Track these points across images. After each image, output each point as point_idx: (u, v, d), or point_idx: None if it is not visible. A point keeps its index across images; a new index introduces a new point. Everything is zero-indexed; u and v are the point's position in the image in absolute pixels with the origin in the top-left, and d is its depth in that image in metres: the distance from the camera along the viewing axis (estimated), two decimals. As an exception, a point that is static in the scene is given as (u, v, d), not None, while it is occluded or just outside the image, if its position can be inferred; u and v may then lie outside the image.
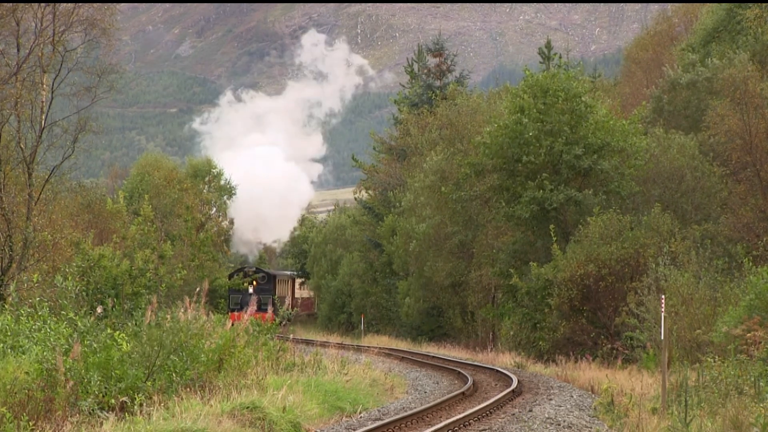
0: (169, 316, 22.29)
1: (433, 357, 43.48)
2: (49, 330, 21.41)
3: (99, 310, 22.45)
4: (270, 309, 35.85)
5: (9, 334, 21.18)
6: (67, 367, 19.02)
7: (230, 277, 69.77)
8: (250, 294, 64.31)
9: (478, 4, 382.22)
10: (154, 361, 21.05)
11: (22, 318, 22.11)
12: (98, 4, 33.33)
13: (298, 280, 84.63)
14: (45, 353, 19.36)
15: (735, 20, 48.55)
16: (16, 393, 18.02)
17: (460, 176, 47.06)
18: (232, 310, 59.78)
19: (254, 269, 72.01)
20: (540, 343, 40.36)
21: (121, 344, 21.20)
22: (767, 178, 39.42)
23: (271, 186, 79.84)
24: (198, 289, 24.62)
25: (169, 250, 35.22)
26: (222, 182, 73.95)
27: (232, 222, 77.05)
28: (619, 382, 27.31)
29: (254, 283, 68.06)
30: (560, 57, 63.55)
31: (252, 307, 26.76)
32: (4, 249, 31.07)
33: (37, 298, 23.50)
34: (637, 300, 33.92)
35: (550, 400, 25.87)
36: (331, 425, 21.78)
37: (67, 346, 20.15)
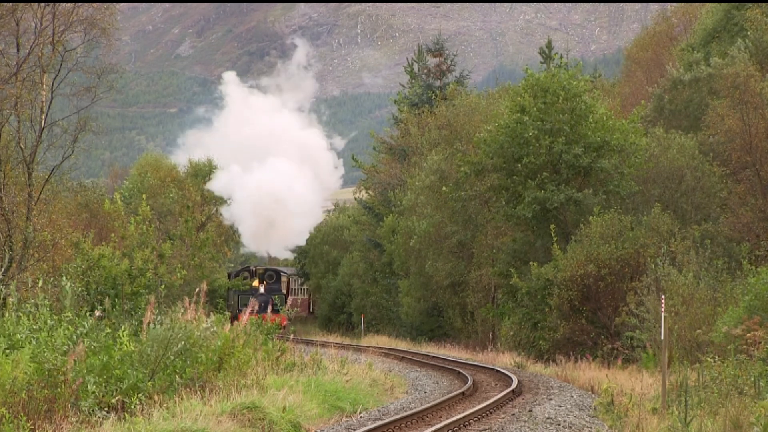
0: (179, 321, 22.26)
1: (433, 357, 43.46)
2: (49, 330, 21.39)
3: (97, 314, 22.43)
4: (270, 309, 35.55)
5: (9, 333, 21.16)
6: (69, 366, 19.02)
7: (234, 275, 65.92)
8: (261, 294, 60.80)
9: (478, 4, 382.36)
10: (157, 361, 21.06)
11: (22, 318, 22.09)
12: (98, 4, 33.33)
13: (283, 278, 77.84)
14: (45, 353, 19.35)
15: (732, 22, 48.61)
16: (15, 393, 18.01)
17: (459, 176, 47.08)
18: (240, 312, 53.12)
19: (264, 268, 66.86)
20: (540, 343, 40.35)
21: (124, 343, 21.19)
22: (767, 178, 39.43)
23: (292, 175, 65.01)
24: (198, 290, 24.60)
25: (168, 250, 35.15)
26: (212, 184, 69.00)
27: (235, 231, 70.23)
28: (619, 382, 27.29)
29: (264, 282, 63.57)
30: (561, 57, 63.54)
31: (252, 308, 26.47)
32: (4, 249, 31.06)
33: (31, 300, 23.47)
34: (637, 300, 33.92)
35: (550, 400, 25.86)
36: (331, 425, 21.78)
37: (66, 347, 20.14)
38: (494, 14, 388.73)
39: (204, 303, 24.40)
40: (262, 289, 62.54)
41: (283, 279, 70.24)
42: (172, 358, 21.38)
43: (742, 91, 39.44)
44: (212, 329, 23.05)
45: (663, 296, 25.21)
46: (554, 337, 39.46)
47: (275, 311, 47.63)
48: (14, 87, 31.51)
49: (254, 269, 65.82)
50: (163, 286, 28.00)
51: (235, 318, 27.35)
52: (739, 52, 42.74)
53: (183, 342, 21.52)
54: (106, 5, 33.51)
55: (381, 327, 65.77)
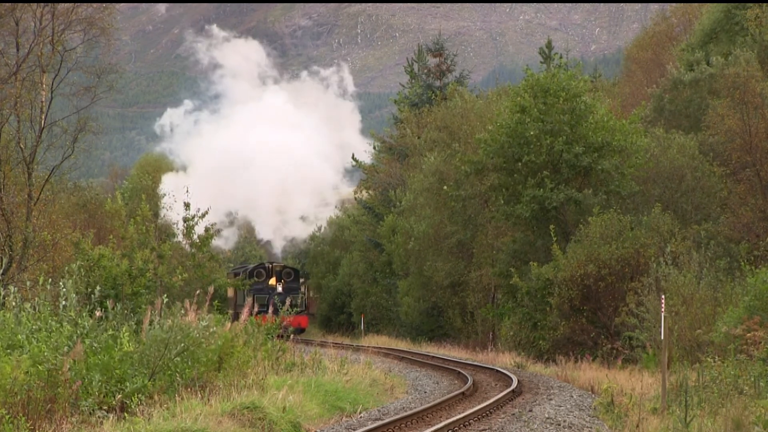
0: (178, 322, 22.24)
1: (433, 357, 43.45)
2: (49, 330, 21.38)
3: (98, 314, 22.43)
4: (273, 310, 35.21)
5: (9, 333, 21.15)
6: (69, 366, 19.00)
7: (242, 272, 61.60)
8: (279, 293, 57.65)
9: (478, 4, 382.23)
10: (157, 362, 21.04)
11: (23, 318, 22.08)
12: (97, 3, 33.34)
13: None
14: (45, 353, 19.34)
15: (733, 21, 48.54)
16: (15, 393, 17.99)
17: (459, 175, 47.06)
18: (258, 313, 43.74)
19: (281, 265, 62.33)
20: (540, 342, 40.34)
21: (124, 343, 21.17)
22: (767, 178, 39.42)
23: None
24: (198, 292, 24.61)
25: (168, 250, 35.13)
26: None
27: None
28: (619, 382, 27.28)
29: (282, 281, 60.39)
30: (560, 57, 63.54)
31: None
32: (4, 249, 31.06)
33: (36, 299, 23.47)
34: (637, 300, 33.91)
35: (550, 400, 25.85)
36: (331, 425, 21.77)
37: (67, 347, 20.12)
38: (494, 14, 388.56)
39: (207, 305, 24.40)
40: (279, 288, 59.64)
41: (301, 277, 65.79)
42: (172, 357, 21.37)
43: (742, 91, 39.43)
44: (211, 329, 23.02)
45: (663, 296, 25.21)
46: (554, 337, 39.45)
47: (301, 313, 45.27)
48: (14, 87, 31.54)
49: (270, 266, 61.76)
50: (165, 296, 27.91)
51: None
52: (743, 51, 42.70)
53: (182, 343, 21.50)
54: (105, 5, 33.52)
55: (381, 327, 65.70)
